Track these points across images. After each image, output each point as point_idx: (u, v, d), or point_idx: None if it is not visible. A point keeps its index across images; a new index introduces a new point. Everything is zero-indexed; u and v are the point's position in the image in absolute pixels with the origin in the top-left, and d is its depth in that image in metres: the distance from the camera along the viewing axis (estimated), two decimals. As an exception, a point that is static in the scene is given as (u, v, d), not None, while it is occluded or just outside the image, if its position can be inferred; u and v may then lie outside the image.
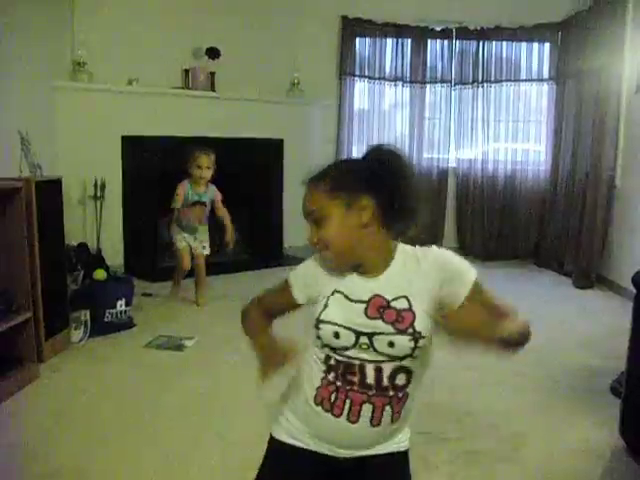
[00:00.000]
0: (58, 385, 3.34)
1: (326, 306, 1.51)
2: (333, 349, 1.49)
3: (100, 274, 4.33)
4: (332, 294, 1.52)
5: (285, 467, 1.59)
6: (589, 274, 5.86)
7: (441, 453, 2.68)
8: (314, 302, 1.55)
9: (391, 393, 1.49)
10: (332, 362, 1.51)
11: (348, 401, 1.49)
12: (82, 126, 5.48)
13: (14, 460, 2.57)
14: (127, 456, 2.61)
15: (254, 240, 6.49)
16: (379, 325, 1.45)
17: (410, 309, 1.46)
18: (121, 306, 4.25)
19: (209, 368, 3.62)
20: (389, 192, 1.48)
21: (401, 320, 1.45)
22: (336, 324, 1.48)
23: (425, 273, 1.49)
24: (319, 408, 1.53)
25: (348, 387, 1.49)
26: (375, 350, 1.45)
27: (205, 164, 4.66)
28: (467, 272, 1.50)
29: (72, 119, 5.43)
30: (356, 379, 1.48)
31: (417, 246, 1.55)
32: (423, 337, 1.45)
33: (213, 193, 4.84)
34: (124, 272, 5.53)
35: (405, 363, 1.47)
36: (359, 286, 1.51)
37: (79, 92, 5.49)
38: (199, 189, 4.77)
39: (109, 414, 3.01)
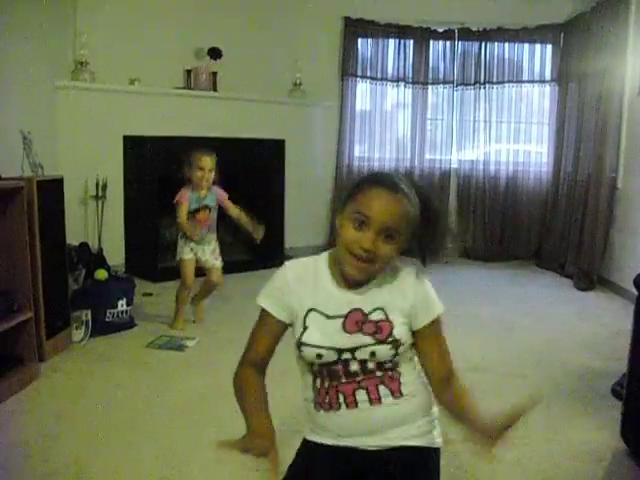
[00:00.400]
0: (59, 385, 3.34)
1: (305, 328, 1.51)
2: (317, 364, 1.53)
3: (101, 274, 4.33)
4: (309, 312, 1.52)
5: (311, 464, 1.60)
6: (590, 276, 5.86)
7: (442, 455, 2.67)
8: (294, 316, 1.54)
9: (379, 373, 1.51)
10: (316, 369, 1.54)
11: (341, 395, 1.51)
12: (84, 126, 5.48)
13: (15, 460, 2.57)
14: (128, 456, 2.61)
15: (255, 240, 6.47)
16: (359, 339, 1.48)
17: (387, 319, 1.49)
18: (122, 306, 4.24)
19: (210, 368, 3.61)
20: (425, 232, 1.53)
21: (379, 331, 1.48)
22: (317, 346, 1.49)
23: (403, 290, 1.52)
24: (321, 412, 1.55)
25: (335, 383, 1.51)
26: (357, 359, 1.49)
27: (208, 166, 4.29)
28: (436, 304, 1.55)
29: (74, 119, 5.43)
30: (341, 372, 1.50)
31: (398, 263, 1.56)
32: (402, 344, 1.49)
33: (217, 194, 4.43)
34: (125, 272, 5.53)
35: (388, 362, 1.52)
36: (337, 299, 1.52)
37: (81, 92, 5.49)
38: (202, 193, 4.34)
39: (110, 414, 3.01)
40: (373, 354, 1.47)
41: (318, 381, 1.54)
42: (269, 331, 1.59)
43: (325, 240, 6.91)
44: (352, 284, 1.51)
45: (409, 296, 1.52)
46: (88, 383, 3.38)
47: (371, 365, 1.49)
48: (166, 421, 2.95)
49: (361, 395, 1.50)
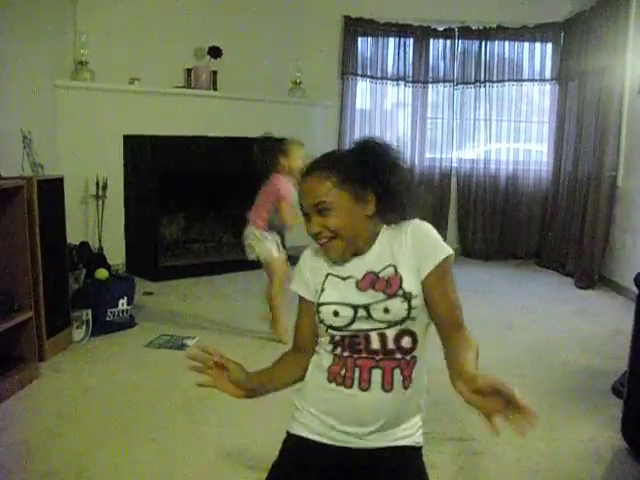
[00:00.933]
0: (59, 384, 3.34)
1: (323, 290, 1.58)
2: (336, 328, 1.54)
3: (102, 273, 4.33)
4: (327, 277, 1.59)
5: (298, 461, 1.59)
6: (591, 274, 5.86)
7: (441, 453, 2.68)
8: (316, 289, 1.61)
9: (398, 356, 1.52)
10: (337, 339, 1.56)
11: (357, 369, 1.53)
12: (84, 125, 5.48)
13: (15, 459, 2.57)
14: (128, 455, 2.61)
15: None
16: (371, 294, 1.52)
17: (396, 274, 1.53)
18: (122, 305, 4.25)
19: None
20: (384, 186, 1.56)
21: (390, 285, 1.51)
22: (333, 303, 1.54)
23: (405, 244, 1.56)
24: (332, 385, 1.56)
25: (356, 355, 1.53)
26: (374, 319, 1.51)
27: (302, 155, 3.98)
28: (437, 250, 1.55)
29: (74, 118, 5.43)
30: (362, 346, 1.53)
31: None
32: (414, 297, 1.51)
33: None
34: (125, 271, 5.54)
35: (406, 326, 1.51)
36: (349, 266, 1.59)
37: (81, 91, 5.49)
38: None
39: (110, 413, 3.01)
40: (387, 310, 1.49)
41: (339, 349, 1.56)
42: (306, 312, 1.66)
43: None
44: (358, 254, 1.58)
45: (410, 244, 1.55)
46: (88, 382, 3.38)
47: (391, 344, 1.51)
48: (167, 420, 2.95)
49: (376, 375, 1.51)
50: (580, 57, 6.27)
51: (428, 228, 1.57)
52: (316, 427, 1.59)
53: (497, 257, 7.08)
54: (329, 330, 1.55)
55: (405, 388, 1.53)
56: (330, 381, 1.56)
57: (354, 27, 6.94)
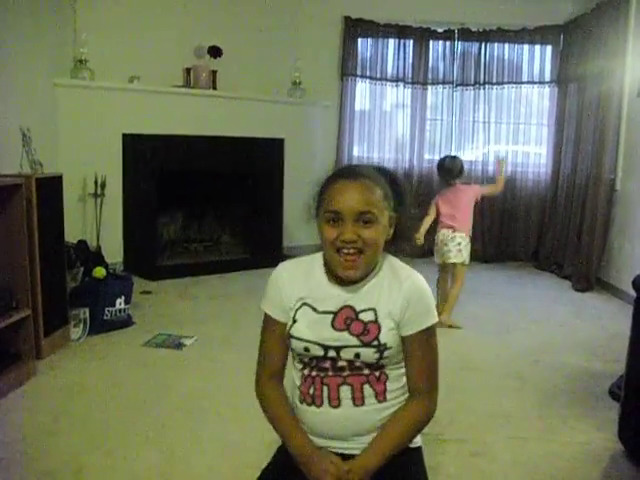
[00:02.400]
0: (56, 382, 3.33)
1: (295, 320, 1.54)
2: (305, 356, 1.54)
3: (99, 272, 4.32)
4: (300, 306, 1.54)
5: (291, 462, 1.55)
6: (589, 277, 5.86)
7: (439, 455, 2.67)
8: (288, 313, 1.57)
9: (366, 372, 1.51)
10: (306, 360, 1.55)
11: (325, 388, 1.51)
12: (83, 123, 5.48)
13: (12, 457, 2.56)
14: (125, 454, 2.60)
15: (254, 239, 6.50)
16: (345, 337, 1.48)
17: (376, 321, 1.49)
18: (120, 304, 4.24)
19: (208, 367, 3.62)
20: (402, 217, 1.56)
21: (367, 333, 1.48)
22: (304, 340, 1.51)
23: (397, 295, 1.51)
24: (304, 405, 1.56)
25: (322, 374, 1.52)
26: (342, 359, 1.50)
27: None
28: (424, 315, 1.53)
29: (73, 116, 5.43)
30: (328, 365, 1.51)
31: (402, 263, 1.59)
32: (388, 348, 1.48)
33: None
34: (123, 270, 5.53)
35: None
36: (330, 295, 1.53)
37: (80, 89, 5.49)
38: None
39: (107, 412, 3.01)
40: (358, 355, 1.48)
41: (306, 370, 1.55)
42: (276, 335, 1.60)
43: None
44: (348, 281, 1.53)
45: (402, 300, 1.51)
46: (86, 381, 3.38)
47: (358, 363, 1.50)
48: (164, 419, 2.95)
49: (345, 392, 1.50)
50: (580, 60, 6.28)
51: (424, 291, 1.54)
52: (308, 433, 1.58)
53: (495, 259, 7.08)
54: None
55: (380, 402, 1.52)
56: (301, 402, 1.57)
57: (354, 28, 6.94)
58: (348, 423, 1.52)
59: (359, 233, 1.45)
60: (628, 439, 2.68)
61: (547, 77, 7.01)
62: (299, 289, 1.55)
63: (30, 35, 4.63)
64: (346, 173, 1.53)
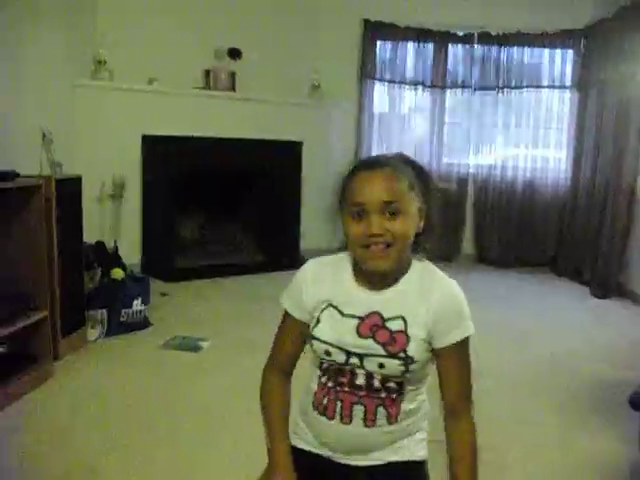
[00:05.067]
0: (73, 384, 3.34)
1: (318, 321, 1.47)
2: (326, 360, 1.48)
3: (117, 273, 4.34)
4: (325, 308, 1.47)
5: (296, 471, 1.53)
6: (608, 283, 5.81)
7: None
8: (312, 314, 1.51)
9: (383, 395, 1.45)
10: (325, 365, 1.49)
11: (339, 402, 1.47)
12: (102, 124, 5.49)
13: (28, 459, 2.57)
14: (141, 456, 2.61)
15: (271, 242, 6.49)
16: (370, 345, 1.41)
17: (404, 332, 1.41)
18: (137, 306, 4.25)
19: (225, 369, 3.62)
20: (432, 208, 1.48)
21: (393, 343, 1.40)
22: (327, 343, 1.45)
23: (429, 303, 1.43)
24: (316, 412, 1.52)
25: (338, 388, 1.47)
26: (364, 368, 1.43)
27: None
28: (465, 324, 1.45)
29: (93, 117, 5.45)
30: (345, 380, 1.46)
31: (435, 268, 1.50)
32: (415, 362, 1.41)
33: None
34: (141, 271, 5.54)
35: (396, 379, 1.45)
36: (357, 299, 1.47)
37: (100, 90, 5.51)
38: None
39: (124, 414, 3.02)
40: (381, 366, 1.40)
41: (324, 378, 1.50)
42: (292, 331, 1.56)
43: (341, 243, 6.89)
44: (377, 284, 1.46)
45: (435, 309, 1.42)
46: (102, 382, 3.39)
47: (377, 383, 1.44)
48: (181, 422, 2.95)
49: (358, 411, 1.45)
50: (601, 64, 6.22)
51: (459, 300, 1.45)
52: (311, 441, 1.56)
53: (512, 264, 7.02)
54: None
55: (391, 424, 1.47)
56: (314, 408, 1.52)
57: (373, 31, 6.92)
58: (356, 440, 1.48)
59: (386, 226, 1.37)
60: (649, 450, 2.65)
61: (567, 82, 6.94)
62: (325, 291, 1.49)
63: (50, 36, 4.66)
64: (368, 163, 1.47)
